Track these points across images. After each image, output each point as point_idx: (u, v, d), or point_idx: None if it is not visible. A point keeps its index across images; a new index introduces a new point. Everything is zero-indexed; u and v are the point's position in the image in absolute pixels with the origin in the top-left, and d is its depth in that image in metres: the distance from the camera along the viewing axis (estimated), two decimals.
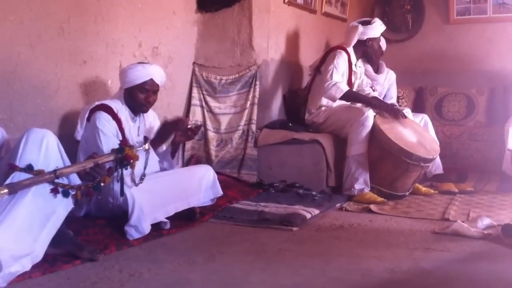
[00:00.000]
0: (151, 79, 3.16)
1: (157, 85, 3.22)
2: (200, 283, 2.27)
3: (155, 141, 3.20)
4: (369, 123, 4.11)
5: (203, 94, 4.51)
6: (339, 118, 4.40)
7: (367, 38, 4.56)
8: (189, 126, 3.36)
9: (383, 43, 5.14)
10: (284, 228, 3.18)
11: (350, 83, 4.50)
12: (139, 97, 3.16)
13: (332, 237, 3.07)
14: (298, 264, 2.55)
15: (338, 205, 3.84)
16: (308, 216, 3.38)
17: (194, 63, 4.53)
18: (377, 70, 5.15)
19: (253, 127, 4.51)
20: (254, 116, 4.53)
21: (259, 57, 4.64)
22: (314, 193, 3.92)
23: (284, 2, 5.00)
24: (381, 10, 6.51)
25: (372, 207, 3.74)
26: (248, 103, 4.55)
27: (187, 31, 4.42)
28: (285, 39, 5.05)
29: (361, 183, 4.03)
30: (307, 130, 4.52)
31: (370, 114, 4.15)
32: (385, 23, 6.23)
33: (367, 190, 4.03)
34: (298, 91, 5.09)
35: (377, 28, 4.60)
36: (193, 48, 4.51)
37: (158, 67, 3.27)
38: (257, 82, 4.57)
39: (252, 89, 4.56)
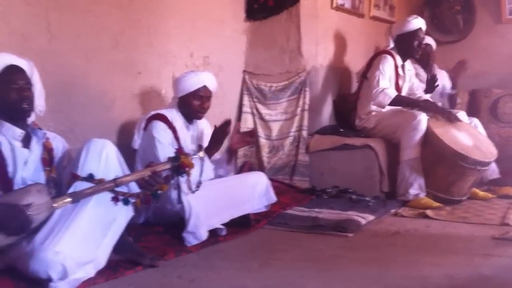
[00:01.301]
0: (205, 86, 3.23)
1: (210, 92, 3.28)
2: None
3: (209, 149, 3.25)
4: (422, 127, 4.05)
5: (253, 101, 4.55)
6: (390, 123, 4.35)
7: (397, 36, 4.49)
8: (243, 131, 3.40)
9: (432, 43, 5.07)
10: (339, 234, 3.16)
11: (397, 87, 4.45)
12: (194, 104, 3.23)
13: (387, 243, 3.03)
14: (353, 270, 2.53)
15: (392, 210, 3.79)
16: (363, 222, 3.35)
17: (244, 71, 4.57)
18: (430, 73, 5.07)
19: (304, 133, 4.53)
20: (305, 122, 4.55)
21: (308, 63, 4.65)
22: (367, 198, 3.89)
23: (331, 7, 4.99)
24: (431, 12, 6.39)
25: (429, 212, 3.67)
26: (299, 109, 4.56)
27: (237, 40, 4.48)
28: (333, 45, 5.04)
29: (416, 188, 3.97)
30: (359, 135, 4.49)
31: (423, 117, 4.08)
32: (435, 25, 6.25)
33: (422, 195, 3.96)
34: (347, 96, 5.07)
35: (404, 23, 4.51)
36: (242, 56, 4.56)
37: (210, 74, 3.34)
38: (307, 88, 4.59)
39: (302, 95, 4.58)
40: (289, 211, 3.58)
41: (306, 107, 4.58)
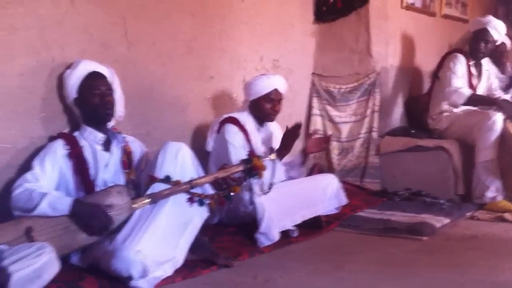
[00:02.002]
0: (276, 89, 3.27)
1: (281, 94, 3.32)
2: None
3: (279, 151, 3.27)
4: (498, 127, 3.92)
5: (323, 103, 4.54)
6: (464, 124, 4.24)
7: (472, 33, 4.42)
8: (318, 136, 3.42)
9: (506, 41, 4.91)
10: (413, 237, 3.10)
11: (471, 86, 4.35)
12: (266, 107, 3.27)
13: (464, 247, 2.95)
14: (429, 275, 2.48)
15: (468, 214, 3.68)
16: (438, 225, 3.27)
17: (313, 73, 4.57)
18: (503, 72, 4.91)
19: (375, 134, 4.49)
20: (375, 124, 4.51)
21: (378, 64, 4.61)
22: (441, 201, 3.80)
23: (401, 7, 4.93)
24: (505, 9, 6.19)
25: (507, 215, 3.54)
26: (369, 111, 4.53)
27: (305, 43, 4.49)
28: (404, 45, 4.97)
29: (493, 191, 3.84)
30: (431, 137, 4.41)
31: (498, 118, 3.95)
32: (510, 21, 6.00)
33: (500, 198, 3.83)
34: (419, 97, 4.98)
35: (471, 22, 4.47)
36: (311, 59, 4.56)
37: (280, 77, 3.38)
38: (377, 90, 4.55)
39: (372, 97, 4.55)
40: (360, 214, 3.56)
41: (376, 108, 4.54)
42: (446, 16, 5.62)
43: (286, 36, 4.26)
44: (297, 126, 3.23)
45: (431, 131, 4.49)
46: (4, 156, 2.53)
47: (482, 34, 4.36)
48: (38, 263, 1.92)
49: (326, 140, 3.54)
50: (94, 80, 2.60)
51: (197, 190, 2.51)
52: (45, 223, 2.25)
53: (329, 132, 4.50)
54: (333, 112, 4.55)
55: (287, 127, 3.24)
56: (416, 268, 2.58)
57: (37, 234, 2.21)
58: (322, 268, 2.57)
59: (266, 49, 4.06)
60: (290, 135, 3.26)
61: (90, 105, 2.58)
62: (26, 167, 2.49)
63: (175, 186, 2.45)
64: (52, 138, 2.59)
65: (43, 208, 2.26)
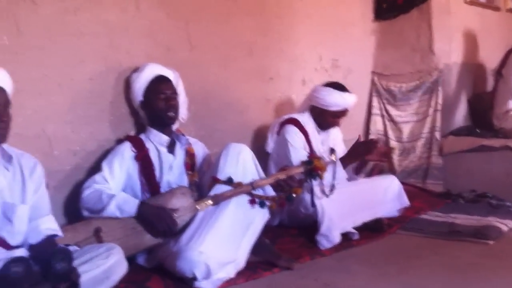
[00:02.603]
0: (346, 108, 3.24)
1: (348, 111, 3.28)
2: None
3: (345, 159, 3.24)
4: None
5: (383, 103, 4.49)
6: None
7: None
8: (383, 148, 3.36)
9: None
10: (478, 241, 3.01)
11: None
12: (329, 120, 3.27)
13: None
14: (496, 280, 2.41)
15: None
16: (505, 229, 3.17)
17: (373, 72, 4.52)
18: None
19: (437, 134, 4.39)
20: (438, 123, 4.41)
21: (441, 61, 4.51)
22: (508, 203, 3.68)
23: (465, 1, 4.81)
24: None
25: None
26: (431, 109, 4.43)
27: (365, 41, 4.44)
28: (468, 41, 4.84)
29: None
30: (497, 136, 4.28)
31: None
32: None
33: None
34: (483, 94, 4.84)
35: None
36: (371, 58, 4.51)
37: (354, 97, 3.29)
38: (439, 88, 4.44)
39: (434, 95, 4.45)
40: (423, 216, 3.49)
41: (439, 107, 4.43)
42: (511, 11, 5.42)
43: (345, 35, 4.23)
44: (371, 142, 3.21)
45: (497, 131, 4.36)
46: (74, 158, 2.63)
47: None
48: (107, 264, 1.96)
49: (387, 153, 3.39)
50: (159, 84, 2.66)
51: (258, 192, 2.52)
52: (114, 224, 2.33)
53: (390, 132, 4.44)
54: (393, 111, 4.48)
55: (359, 136, 3.21)
56: (482, 273, 2.51)
57: (105, 235, 2.28)
58: (385, 272, 2.53)
59: (325, 49, 4.04)
60: (361, 147, 3.22)
61: (156, 108, 2.65)
62: (94, 169, 2.59)
63: (237, 188, 2.47)
64: (119, 141, 2.68)
65: (111, 209, 2.34)
